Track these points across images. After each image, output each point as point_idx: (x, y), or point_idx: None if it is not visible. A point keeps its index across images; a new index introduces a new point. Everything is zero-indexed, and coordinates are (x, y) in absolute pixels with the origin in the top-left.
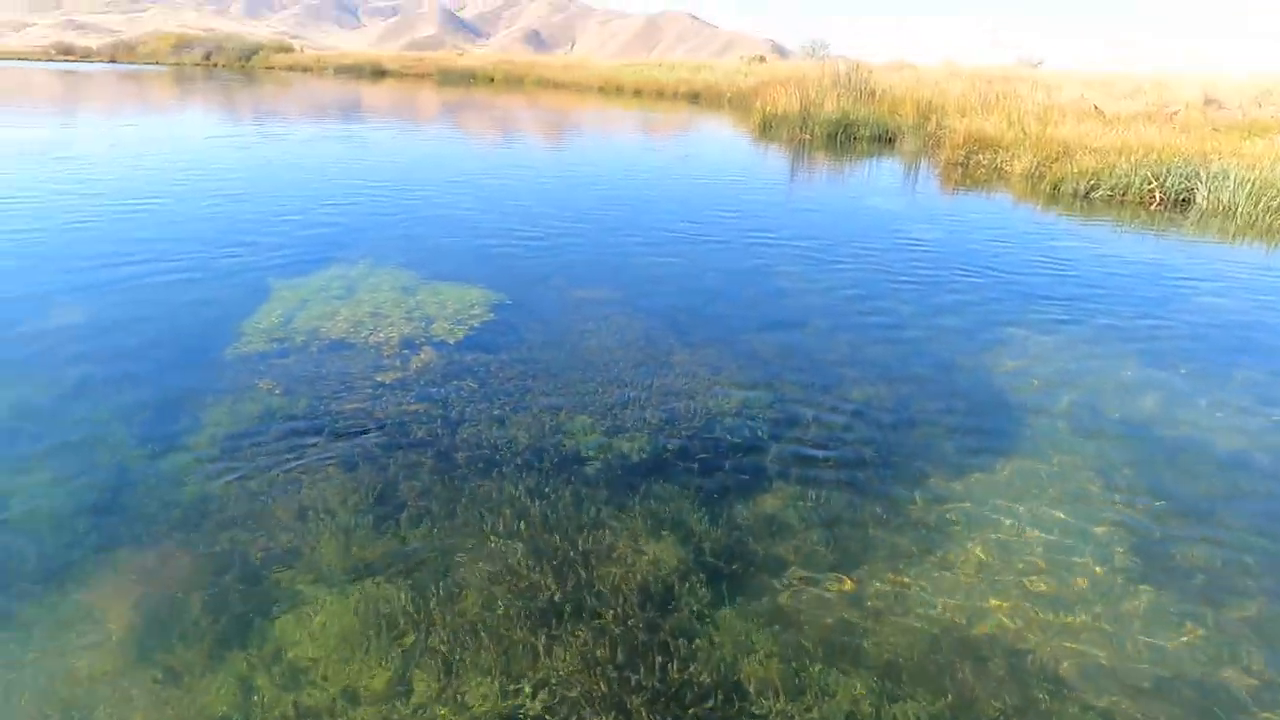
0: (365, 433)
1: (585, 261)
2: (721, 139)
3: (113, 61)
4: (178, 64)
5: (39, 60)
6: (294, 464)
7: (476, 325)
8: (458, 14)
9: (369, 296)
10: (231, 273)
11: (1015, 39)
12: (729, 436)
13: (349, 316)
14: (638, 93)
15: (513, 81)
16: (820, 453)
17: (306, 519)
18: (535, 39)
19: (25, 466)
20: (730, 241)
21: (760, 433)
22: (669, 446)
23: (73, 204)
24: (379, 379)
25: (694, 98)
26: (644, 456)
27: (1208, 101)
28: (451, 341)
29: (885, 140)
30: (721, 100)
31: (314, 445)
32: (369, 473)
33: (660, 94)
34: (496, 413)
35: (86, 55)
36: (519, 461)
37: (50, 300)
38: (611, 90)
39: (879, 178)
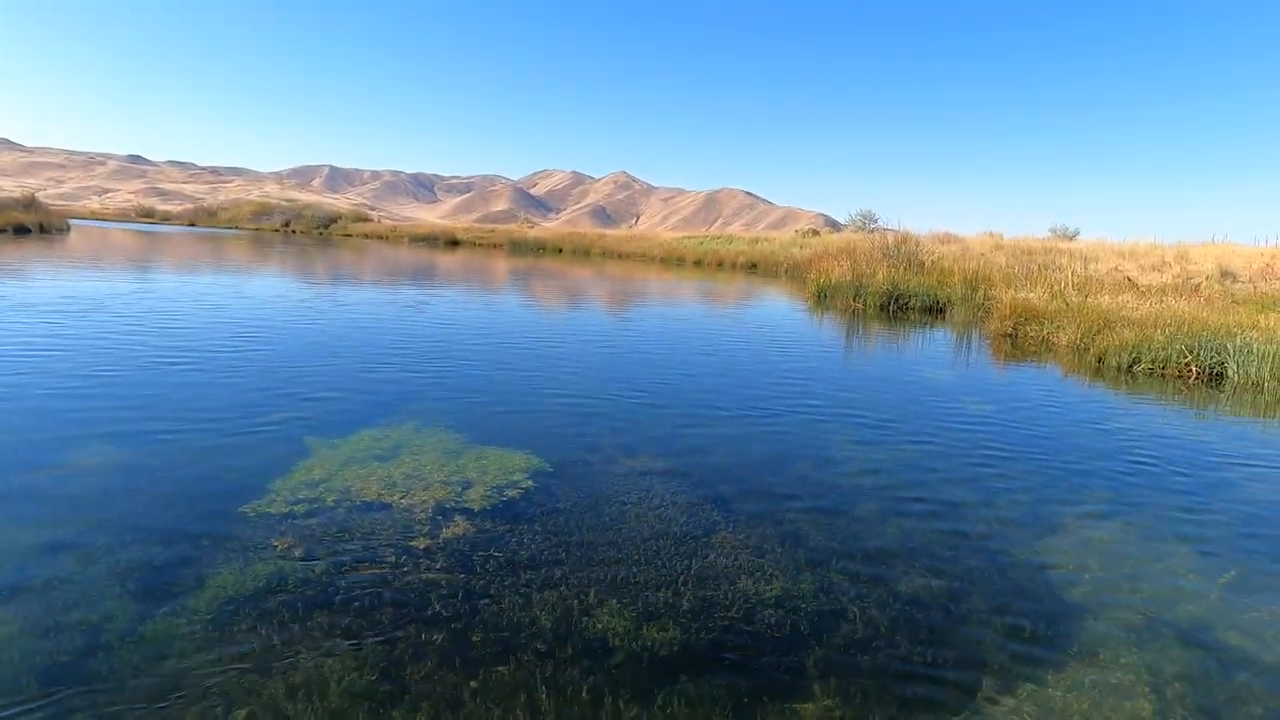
0: (379, 605)
1: (635, 430)
2: (778, 308)
3: (192, 225)
4: (257, 230)
5: (120, 221)
6: (295, 635)
7: (515, 493)
8: (529, 191)
9: (411, 458)
10: (275, 427)
11: (1051, 205)
12: (769, 630)
13: (385, 478)
14: (698, 263)
15: (579, 252)
16: (864, 659)
17: (295, 699)
18: (601, 214)
19: None
20: (782, 413)
21: (802, 628)
22: (702, 638)
23: (133, 351)
24: (405, 545)
25: (751, 268)
26: (674, 648)
27: (1223, 274)
28: (486, 509)
29: (935, 310)
30: (778, 271)
31: (322, 615)
32: (375, 650)
33: (719, 264)
34: (522, 590)
35: (166, 218)
36: (539, 647)
37: (84, 442)
38: (673, 260)
39: (931, 348)
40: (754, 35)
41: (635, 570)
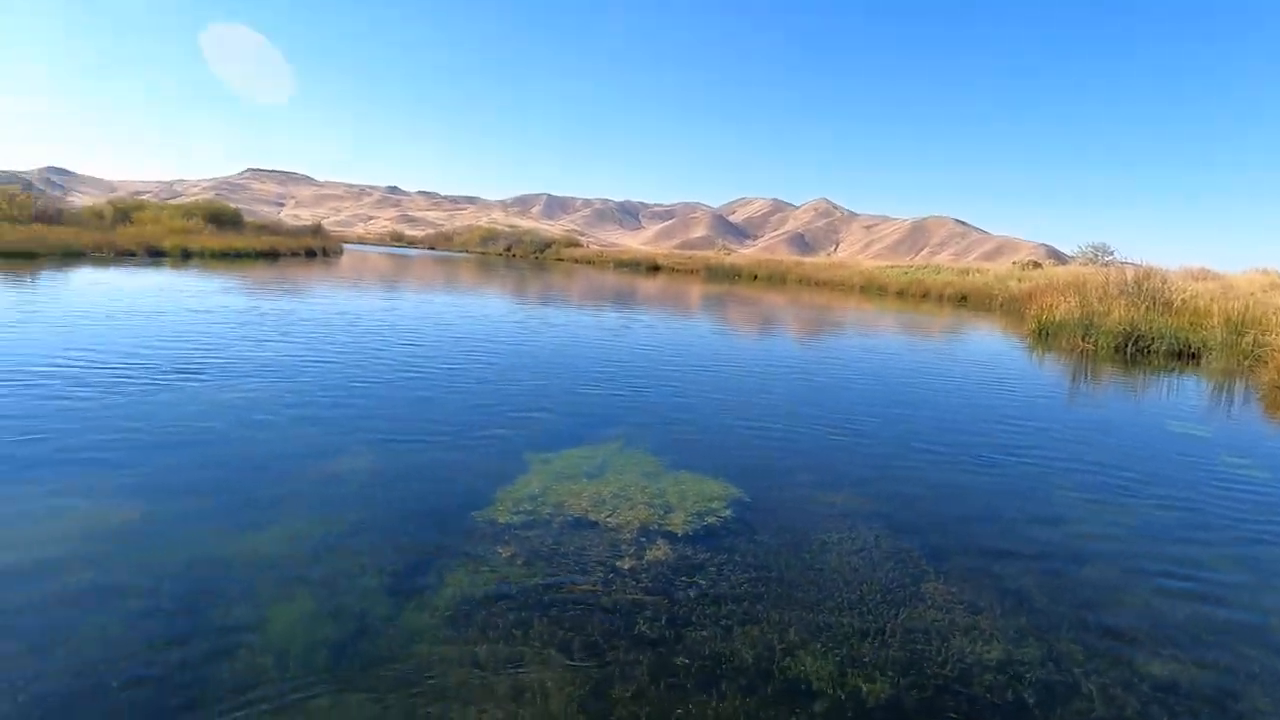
0: (590, 620)
1: (833, 465)
2: (991, 344)
3: (432, 249)
4: (483, 253)
5: (377, 245)
6: (519, 642)
7: (713, 521)
8: (728, 218)
9: (616, 478)
10: (496, 439)
11: None
12: (988, 696)
13: (594, 496)
14: (901, 294)
15: (775, 279)
16: None
17: (521, 700)
18: (799, 241)
19: (286, 593)
20: (999, 460)
21: (1028, 699)
22: (913, 695)
23: (381, 363)
24: (613, 563)
25: (960, 300)
26: (882, 701)
27: None
28: (687, 535)
29: (1185, 355)
30: (991, 305)
31: (540, 624)
32: (587, 663)
33: (924, 295)
34: (723, 621)
35: (412, 242)
36: (741, 681)
37: (346, 447)
38: (874, 290)
39: (1180, 397)
40: (966, 59)
41: (838, 614)
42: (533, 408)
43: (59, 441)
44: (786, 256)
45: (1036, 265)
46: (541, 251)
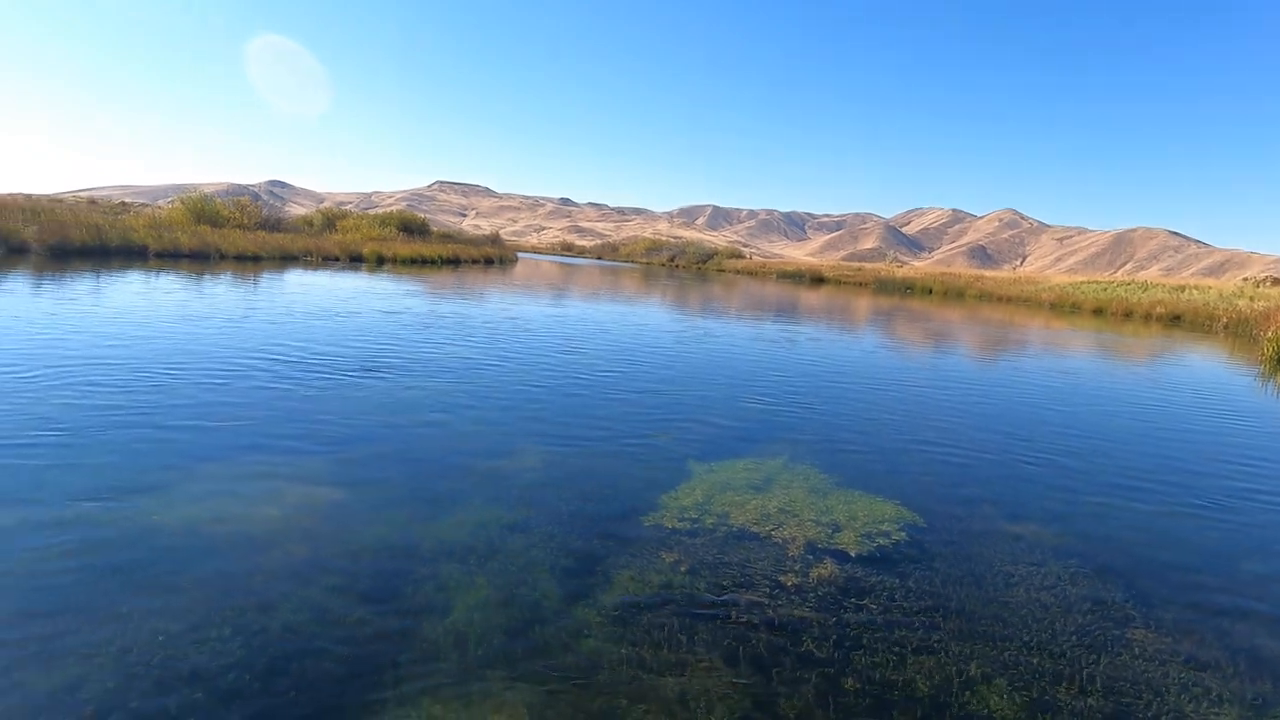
0: (754, 632)
1: (1019, 495)
2: (1213, 370)
3: (599, 259)
4: (647, 263)
5: (548, 254)
6: (683, 647)
7: (885, 543)
8: (900, 229)
9: (782, 492)
10: (661, 445)
11: None
12: None
13: (759, 509)
14: (1098, 312)
15: (952, 294)
16: None
17: (687, 706)
18: (980, 254)
19: (466, 580)
20: (1227, 503)
21: None
22: None
23: (549, 364)
24: (777, 578)
25: (1173, 320)
26: None
27: None
28: (856, 555)
29: None
30: (1212, 326)
31: (705, 632)
32: (751, 675)
33: (1127, 314)
34: (895, 647)
35: (580, 252)
36: (916, 711)
37: (523, 442)
38: (1066, 307)
39: None
40: (1181, 48)
41: (1026, 654)
42: (694, 417)
43: (266, 428)
44: (965, 270)
45: (1276, 282)
46: (704, 262)
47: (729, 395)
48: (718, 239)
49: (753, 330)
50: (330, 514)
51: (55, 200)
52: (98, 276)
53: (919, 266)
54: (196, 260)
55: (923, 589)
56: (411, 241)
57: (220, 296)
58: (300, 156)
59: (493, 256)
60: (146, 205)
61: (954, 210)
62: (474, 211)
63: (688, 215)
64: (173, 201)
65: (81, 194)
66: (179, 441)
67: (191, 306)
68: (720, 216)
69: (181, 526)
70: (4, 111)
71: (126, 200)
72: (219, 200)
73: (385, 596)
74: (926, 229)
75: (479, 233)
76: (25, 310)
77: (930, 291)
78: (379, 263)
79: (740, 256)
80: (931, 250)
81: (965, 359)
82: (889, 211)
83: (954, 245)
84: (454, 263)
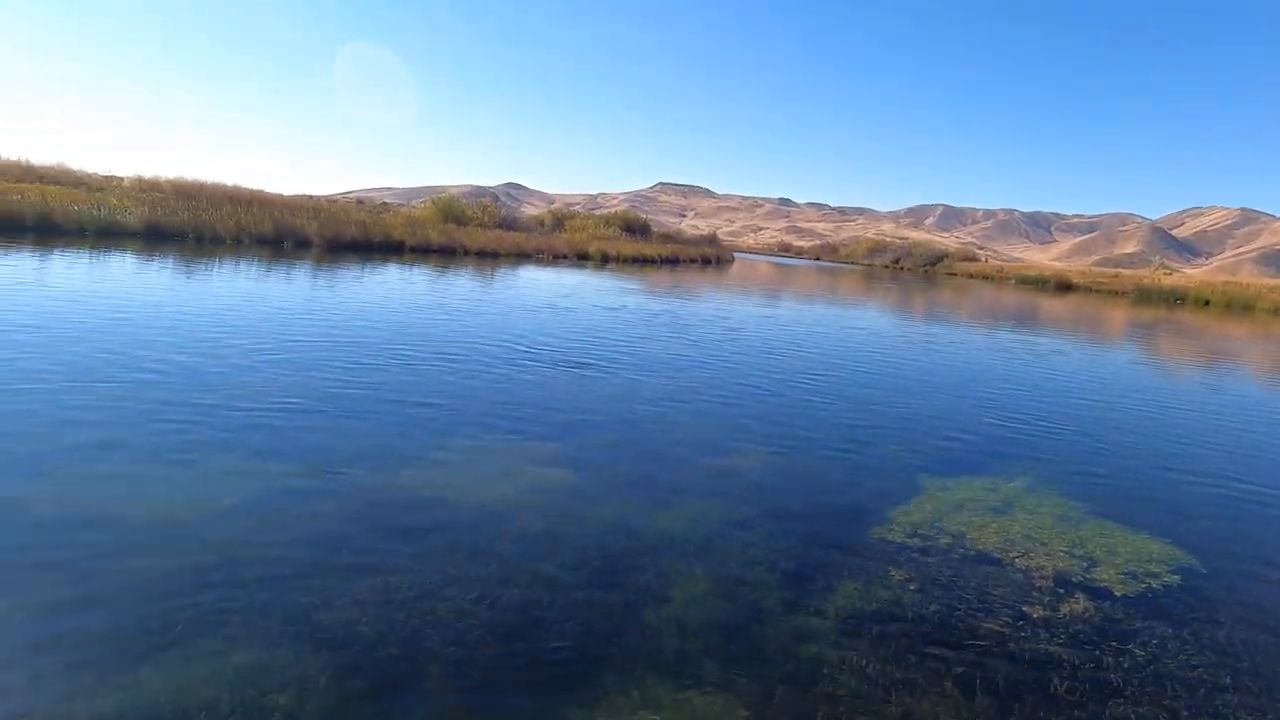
0: (992, 663)
1: None
2: None
3: (816, 259)
4: (869, 265)
5: (765, 254)
6: (910, 667)
7: (1153, 585)
8: (1170, 232)
9: (1025, 517)
10: (889, 456)
11: None
12: None
13: (1000, 531)
14: None
15: (1235, 306)
16: None
17: None
18: (1277, 261)
19: (687, 570)
20: None
21: None
22: None
23: (770, 367)
24: (1022, 609)
25: None
26: None
27: None
28: (1116, 594)
29: None
30: None
31: (936, 653)
32: (988, 707)
33: None
34: (1167, 702)
35: (799, 252)
36: None
37: (743, 440)
38: None
39: None
40: None
41: None
42: (926, 429)
43: (503, 411)
44: (1255, 279)
45: None
46: (932, 265)
47: (964, 408)
48: (948, 240)
49: (987, 339)
50: (562, 494)
51: (331, 201)
52: (362, 268)
53: (1192, 274)
54: (444, 255)
55: (1203, 642)
56: (633, 241)
57: (462, 288)
58: (533, 159)
59: (710, 256)
60: (402, 205)
61: (1243, 209)
62: (693, 212)
63: (915, 215)
64: (425, 202)
65: (350, 195)
66: (427, 417)
67: (437, 297)
68: (952, 216)
69: (432, 494)
70: (302, 125)
71: (387, 201)
72: (464, 201)
73: (611, 577)
74: (1204, 231)
75: (697, 233)
76: (313, 295)
77: (1207, 303)
78: (603, 261)
79: (974, 259)
80: (1210, 256)
81: (1252, 383)
82: (1156, 212)
83: (1241, 250)
84: (673, 262)
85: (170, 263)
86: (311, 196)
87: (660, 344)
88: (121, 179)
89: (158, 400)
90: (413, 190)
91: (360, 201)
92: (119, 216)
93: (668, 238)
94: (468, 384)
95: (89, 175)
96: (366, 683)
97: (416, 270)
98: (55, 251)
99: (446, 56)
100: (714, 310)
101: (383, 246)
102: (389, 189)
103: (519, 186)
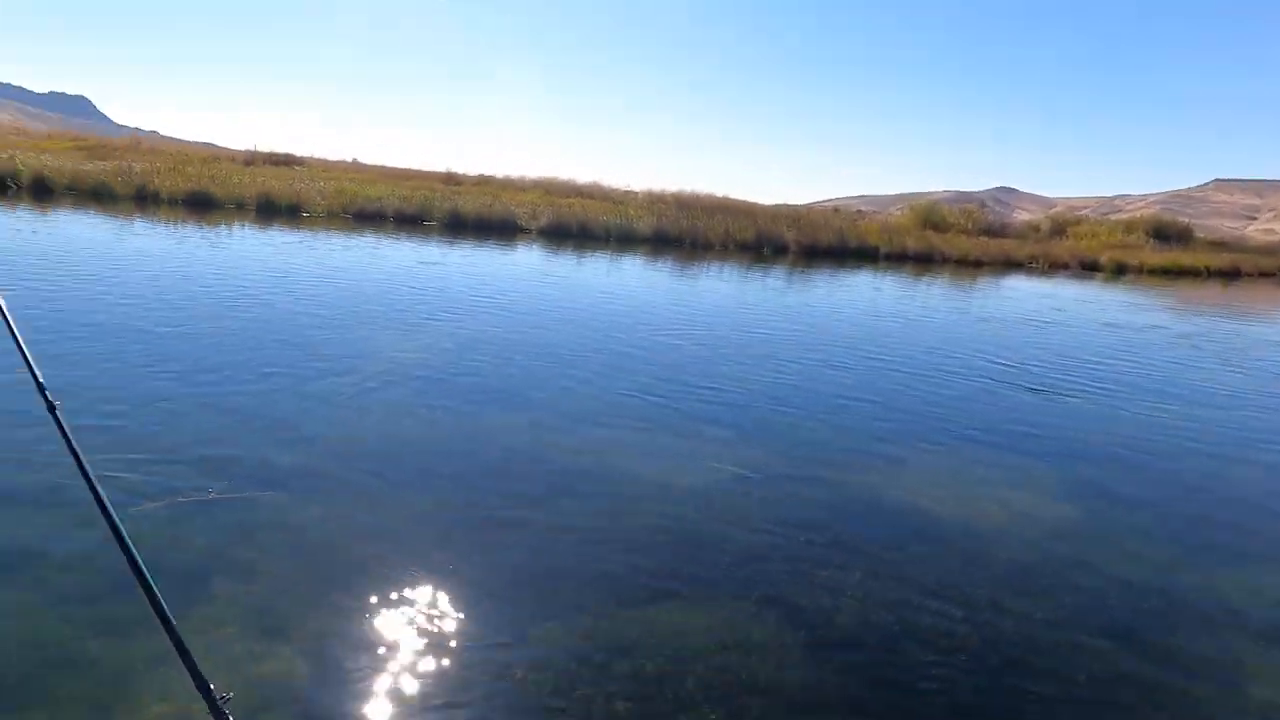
0: None
1: None
2: None
3: None
4: None
5: None
6: None
7: None
8: None
9: None
10: None
11: None
12: None
13: None
14: None
15: None
16: None
17: None
18: None
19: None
20: None
21: None
22: None
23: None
24: None
25: None
26: None
27: None
28: None
29: None
30: None
31: None
32: None
33: None
34: None
35: None
36: None
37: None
38: None
39: None
40: None
41: None
42: None
43: (980, 427)
44: None
45: None
46: None
47: None
48: None
49: None
50: (1062, 530)
51: (808, 209)
52: (835, 273)
53: None
54: (919, 263)
55: None
56: (1165, 250)
57: (935, 297)
58: (1028, 159)
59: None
60: (878, 212)
61: None
62: (1271, 212)
63: None
64: (902, 209)
65: (827, 203)
66: (893, 423)
67: (909, 304)
68: None
69: (908, 501)
70: (783, 142)
71: (862, 209)
72: (945, 207)
73: (1127, 637)
74: None
75: (1272, 239)
76: (784, 297)
77: None
78: (1118, 272)
79: None
80: None
81: None
82: None
83: None
84: (1229, 275)
85: (668, 265)
86: (791, 205)
87: (1192, 371)
88: (637, 193)
89: (690, 378)
90: (888, 198)
91: (836, 209)
92: (634, 225)
93: (1220, 245)
94: (933, 396)
95: (614, 190)
96: (842, 673)
97: (888, 277)
98: (587, 253)
99: (924, 52)
100: None
101: (857, 253)
102: (864, 196)
103: (1010, 190)
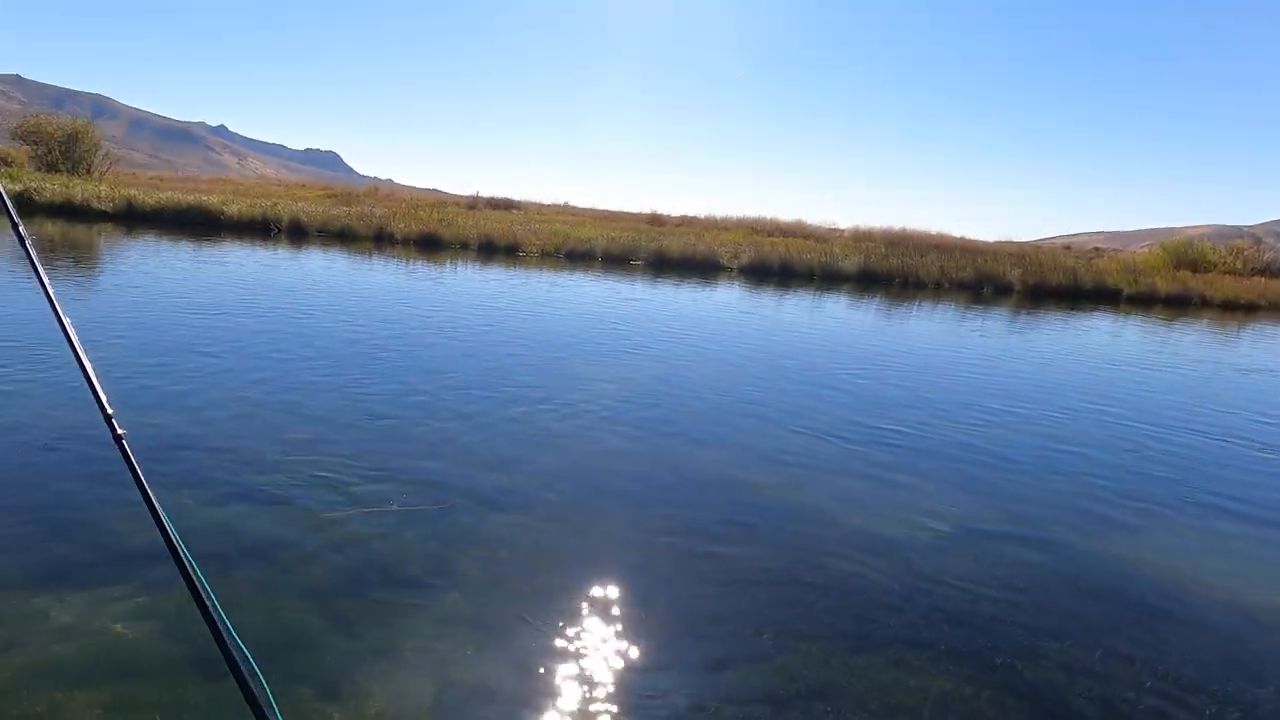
0: None
1: None
2: None
3: None
4: None
5: None
6: None
7: None
8: None
9: None
10: None
11: None
12: None
13: None
14: None
15: None
16: None
17: None
18: None
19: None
20: None
21: None
22: None
23: None
24: None
25: None
26: None
27: None
28: None
29: None
30: None
31: None
32: None
33: None
34: None
35: None
36: None
37: None
38: None
39: None
40: None
41: None
42: None
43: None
44: None
45: None
46: None
47: None
48: None
49: None
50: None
51: (1035, 246)
52: (1067, 317)
53: None
54: (1172, 305)
55: None
56: None
57: (1189, 345)
58: None
59: None
60: (1119, 250)
61: None
62: None
63: None
64: (1150, 246)
65: (1056, 240)
66: (1133, 488)
67: (1147, 353)
68: None
69: (1149, 580)
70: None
71: (1099, 246)
72: (1205, 243)
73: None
74: None
75: None
76: (1005, 343)
77: None
78: None
79: None
80: None
81: None
82: None
83: None
84: None
85: (874, 304)
86: (1014, 242)
87: None
88: (843, 230)
89: (846, 418)
90: (1132, 234)
91: (1068, 246)
92: (840, 263)
93: None
94: (1185, 458)
95: (818, 228)
96: None
97: (1132, 321)
98: (790, 291)
99: (1168, 74)
100: None
101: (1093, 294)
102: (1101, 232)
103: None
